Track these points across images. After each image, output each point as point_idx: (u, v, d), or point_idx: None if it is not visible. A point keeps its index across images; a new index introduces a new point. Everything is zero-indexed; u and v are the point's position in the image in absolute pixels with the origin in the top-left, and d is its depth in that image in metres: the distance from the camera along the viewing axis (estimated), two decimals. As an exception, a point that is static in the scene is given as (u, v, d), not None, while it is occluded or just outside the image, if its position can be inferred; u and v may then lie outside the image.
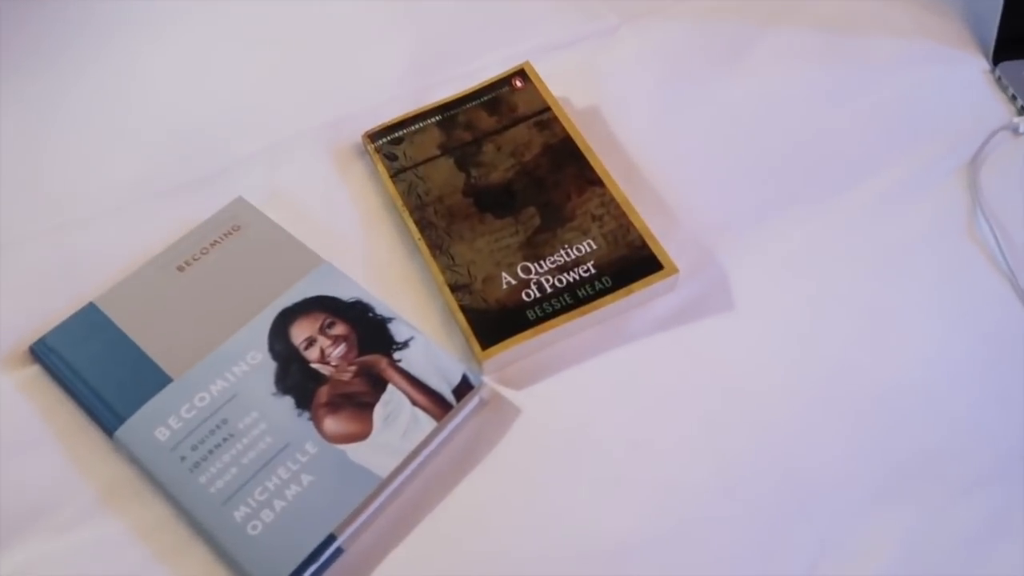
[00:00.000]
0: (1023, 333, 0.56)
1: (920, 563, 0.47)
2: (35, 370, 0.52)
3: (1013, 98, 0.70)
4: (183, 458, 0.47)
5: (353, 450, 0.48)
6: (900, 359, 0.55)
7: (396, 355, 0.51)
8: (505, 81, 0.65)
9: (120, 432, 0.49)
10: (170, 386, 0.50)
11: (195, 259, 0.56)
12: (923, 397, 0.53)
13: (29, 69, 0.68)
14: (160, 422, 0.49)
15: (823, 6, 0.76)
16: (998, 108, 0.69)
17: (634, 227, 0.57)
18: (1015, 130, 0.68)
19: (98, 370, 0.51)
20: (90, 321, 0.53)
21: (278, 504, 0.46)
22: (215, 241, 0.56)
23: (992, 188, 0.64)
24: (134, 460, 0.48)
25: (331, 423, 0.49)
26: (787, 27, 0.74)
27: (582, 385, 0.53)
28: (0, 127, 0.64)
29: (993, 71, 0.72)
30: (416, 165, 0.60)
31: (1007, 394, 0.53)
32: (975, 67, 0.72)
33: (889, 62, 0.72)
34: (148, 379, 0.50)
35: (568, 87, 0.68)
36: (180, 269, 0.55)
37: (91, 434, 0.50)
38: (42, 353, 0.52)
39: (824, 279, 0.58)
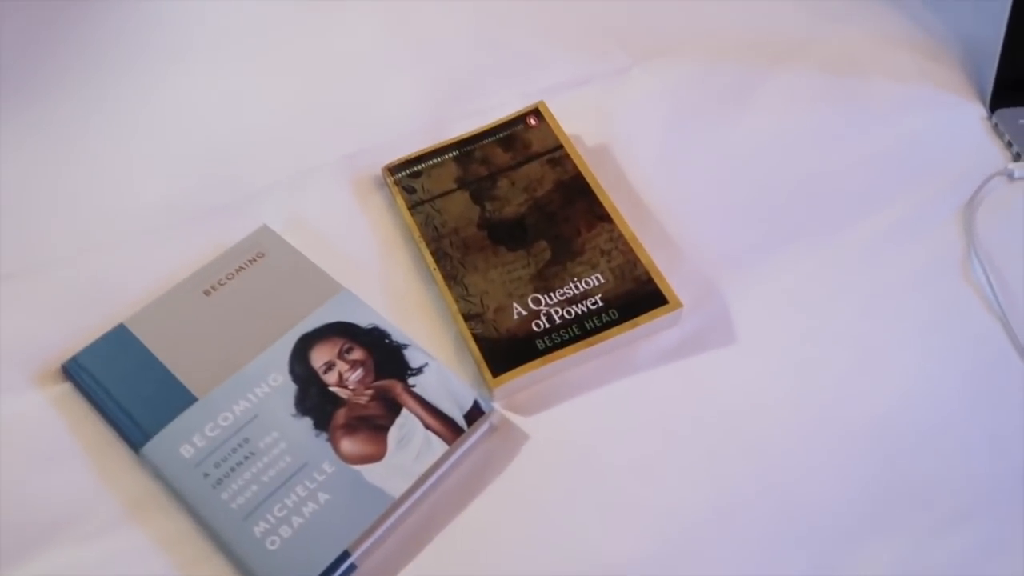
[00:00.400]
0: (1012, 372, 0.58)
1: (910, 591, 0.49)
2: (66, 387, 0.55)
3: (1009, 144, 0.72)
4: (206, 474, 0.50)
5: (368, 471, 0.50)
6: (893, 393, 0.57)
7: (411, 380, 0.54)
8: (520, 119, 0.68)
9: (146, 448, 0.51)
10: (195, 405, 0.52)
11: (221, 284, 0.58)
12: (914, 430, 0.55)
13: (64, 94, 0.71)
14: (185, 439, 0.51)
15: (826, 50, 0.78)
16: (994, 153, 0.71)
17: (640, 262, 0.59)
18: (1010, 175, 0.70)
19: (126, 388, 0.53)
20: (120, 341, 0.55)
21: (296, 520, 0.48)
22: (240, 267, 0.59)
23: (987, 231, 0.66)
24: (159, 475, 0.50)
25: (347, 444, 0.51)
26: (791, 70, 0.76)
27: (588, 413, 0.55)
28: (35, 151, 0.67)
29: (990, 117, 0.74)
30: (433, 198, 0.63)
31: (995, 430, 0.55)
32: (973, 113, 0.74)
33: (890, 106, 0.74)
34: (174, 398, 0.53)
35: (580, 125, 0.70)
36: (206, 293, 0.58)
37: (118, 449, 0.52)
38: (73, 371, 0.54)
39: (822, 315, 0.60)
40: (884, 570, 0.49)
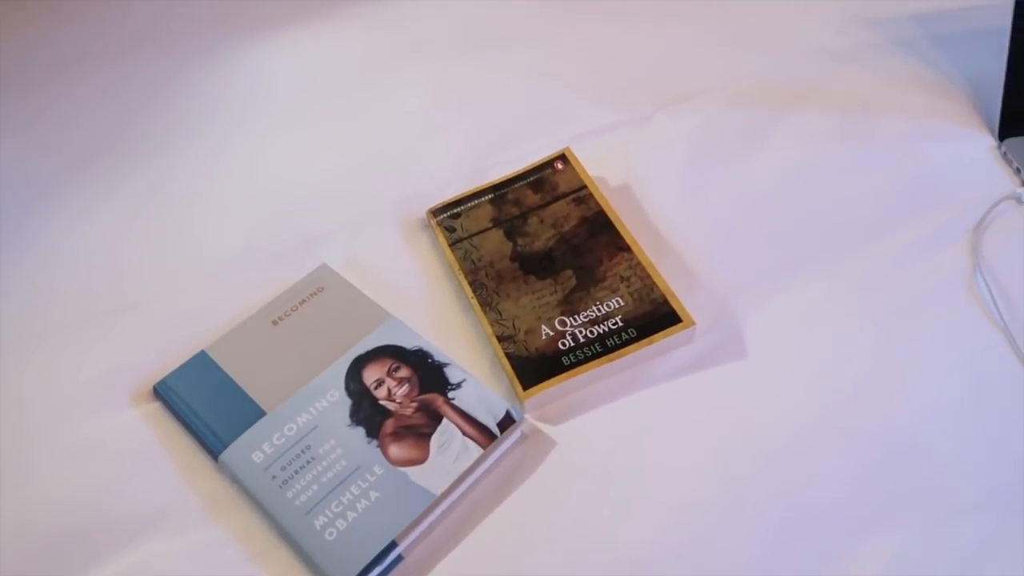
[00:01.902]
0: (1015, 380, 0.61)
1: (910, 580, 0.52)
2: (157, 406, 0.63)
3: (1017, 171, 0.76)
4: (274, 476, 0.57)
5: (413, 472, 0.57)
6: (899, 400, 0.60)
7: (450, 394, 0.61)
8: (548, 164, 0.75)
9: (223, 455, 0.59)
10: (264, 418, 0.60)
11: (287, 315, 0.66)
12: (919, 435, 0.58)
13: (155, 153, 0.82)
14: (256, 447, 0.59)
15: (838, 91, 0.83)
16: (1003, 180, 0.75)
17: (657, 287, 0.65)
18: (1018, 199, 0.73)
19: (207, 405, 0.61)
20: (201, 365, 0.64)
21: (350, 515, 0.55)
22: (303, 300, 0.67)
23: (994, 252, 0.69)
24: (234, 478, 0.58)
25: (395, 450, 0.58)
26: (805, 111, 0.82)
27: (610, 422, 0.61)
28: (131, 204, 0.78)
29: (999, 147, 0.78)
30: (471, 236, 0.71)
31: (998, 435, 0.58)
32: (982, 143, 0.78)
33: (901, 140, 0.78)
34: (247, 412, 0.61)
35: (605, 167, 0.77)
36: (274, 323, 0.66)
37: (200, 457, 0.60)
38: (163, 392, 0.63)
39: (831, 332, 0.65)
40: (888, 563, 0.53)
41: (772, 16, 0.93)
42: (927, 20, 0.91)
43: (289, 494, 0.56)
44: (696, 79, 0.86)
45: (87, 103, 0.88)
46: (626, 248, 0.68)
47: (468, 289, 0.67)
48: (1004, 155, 0.77)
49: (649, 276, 0.66)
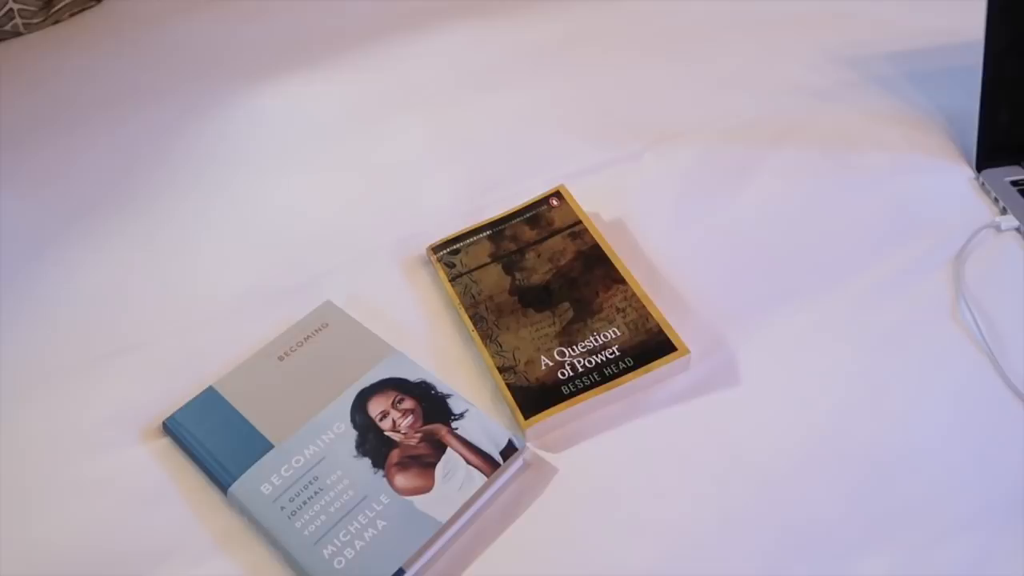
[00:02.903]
0: (1000, 402, 0.63)
1: (905, 598, 0.54)
2: (166, 441, 0.65)
3: (995, 200, 0.79)
4: (282, 507, 0.58)
5: (419, 500, 0.58)
6: (888, 426, 0.62)
7: (454, 424, 0.62)
8: (544, 201, 0.78)
9: (233, 488, 0.60)
10: (272, 451, 0.62)
11: (292, 350, 0.68)
12: (908, 458, 0.60)
13: (159, 198, 0.84)
14: (264, 479, 0.60)
15: (819, 129, 0.87)
16: (982, 210, 0.78)
17: (652, 317, 0.67)
18: (997, 227, 0.76)
19: (215, 439, 0.63)
20: (209, 401, 0.65)
21: (358, 544, 0.56)
22: (308, 336, 0.69)
23: (976, 279, 0.71)
24: (243, 510, 0.59)
25: (401, 479, 0.59)
26: (789, 147, 0.85)
27: (610, 449, 0.62)
28: (138, 248, 0.80)
29: (977, 178, 0.81)
30: (470, 271, 0.73)
31: (985, 456, 0.60)
32: (961, 175, 0.81)
33: (882, 173, 0.81)
34: (255, 446, 0.62)
35: (598, 203, 0.80)
36: (280, 358, 0.68)
37: (209, 491, 0.61)
38: (172, 427, 0.64)
39: (821, 358, 0.67)
40: (881, 582, 0.55)
41: (753, 57, 0.96)
42: (902, 58, 0.95)
43: (298, 524, 0.57)
44: (683, 118, 0.89)
45: (86, 151, 0.90)
46: (621, 280, 0.70)
47: (469, 322, 0.69)
48: (982, 185, 0.80)
49: (644, 307, 0.68)
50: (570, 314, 0.68)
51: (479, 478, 0.59)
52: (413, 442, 0.61)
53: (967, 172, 0.82)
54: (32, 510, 0.61)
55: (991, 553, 0.55)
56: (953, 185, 0.81)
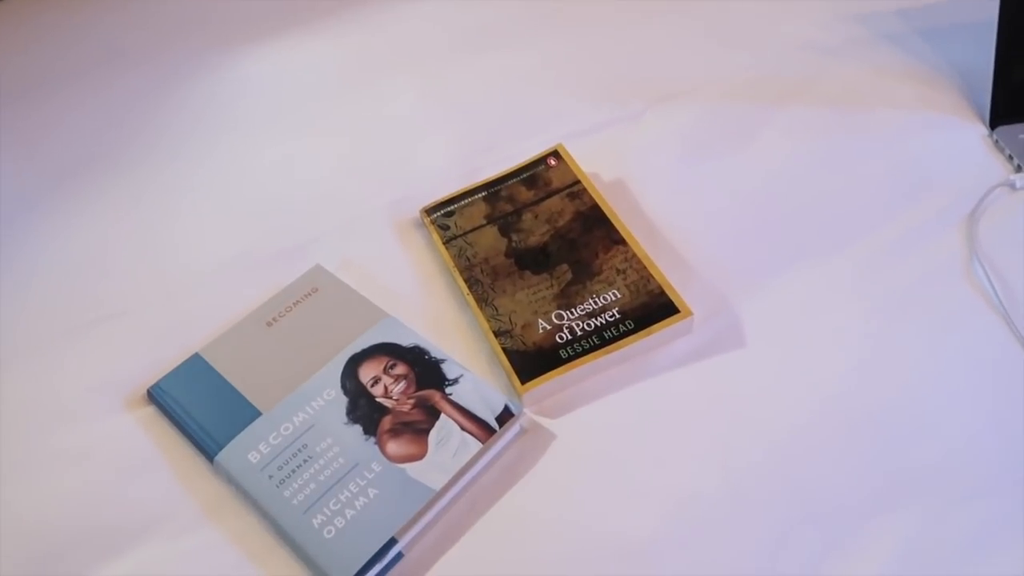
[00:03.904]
0: (1015, 363, 0.61)
1: (917, 566, 0.51)
2: (151, 410, 0.63)
3: (1010, 158, 0.76)
4: (271, 476, 0.56)
5: (411, 468, 0.56)
6: (899, 387, 0.60)
7: (448, 390, 0.60)
8: (541, 160, 0.75)
9: (219, 457, 0.58)
10: (260, 419, 0.59)
11: (281, 316, 0.66)
12: (921, 419, 0.58)
13: (145, 165, 0.82)
14: (252, 447, 0.58)
15: (828, 87, 0.84)
16: (996, 168, 0.75)
17: (653, 278, 0.65)
18: (1012, 186, 0.74)
19: (202, 407, 0.61)
20: (195, 368, 0.63)
21: (349, 512, 0.54)
22: (297, 301, 0.67)
23: (989, 237, 0.69)
24: (231, 479, 0.57)
25: (393, 446, 0.57)
26: (796, 106, 0.82)
27: (609, 414, 0.60)
28: (125, 215, 0.77)
29: (991, 135, 0.79)
30: (465, 233, 0.70)
31: (1001, 417, 0.58)
32: (974, 133, 0.79)
33: (893, 132, 0.79)
34: (242, 413, 0.60)
35: (598, 164, 0.77)
36: (269, 324, 0.65)
37: (195, 460, 0.60)
38: (157, 395, 0.62)
39: (829, 319, 0.64)
40: (893, 550, 0.52)
41: (759, 14, 0.93)
42: (913, 14, 0.91)
43: (286, 493, 0.55)
44: (685, 76, 0.86)
45: (74, 113, 0.88)
46: (621, 241, 0.68)
47: (464, 286, 0.67)
48: (996, 143, 0.78)
49: (645, 268, 0.65)
50: (568, 276, 0.66)
51: (474, 444, 0.57)
52: (406, 408, 0.59)
53: (980, 129, 0.79)
54: (14, 480, 0.59)
55: (1007, 516, 0.53)
56: (966, 143, 0.78)
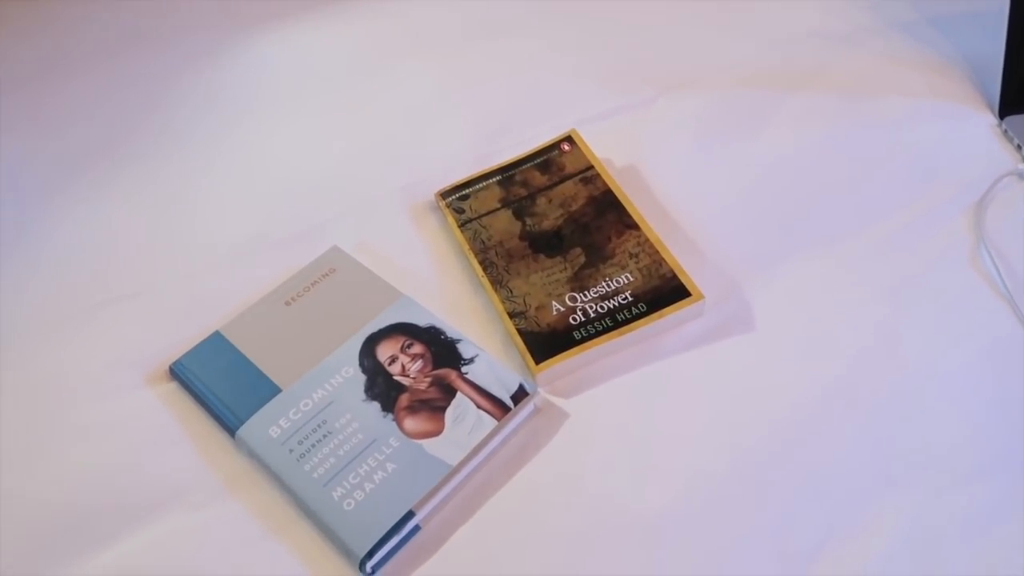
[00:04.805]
0: (1019, 349, 0.62)
1: (921, 543, 0.53)
2: (173, 386, 0.64)
3: (1019, 147, 0.77)
4: (291, 451, 0.58)
5: (428, 444, 0.57)
6: (905, 370, 0.61)
7: (464, 369, 0.61)
8: (555, 146, 0.76)
9: (240, 431, 0.59)
10: (280, 395, 0.61)
11: (299, 295, 0.67)
12: (927, 401, 0.59)
13: (169, 148, 0.83)
14: (272, 423, 0.59)
15: (840, 74, 0.84)
16: (1005, 157, 0.76)
17: (666, 262, 0.66)
18: (1020, 175, 0.74)
19: (222, 383, 0.62)
20: (216, 346, 0.64)
21: (368, 486, 0.56)
22: (315, 281, 0.68)
23: (997, 225, 0.70)
24: (252, 454, 0.59)
25: (410, 423, 0.59)
26: (807, 93, 0.83)
27: (621, 394, 0.61)
28: (148, 197, 0.78)
29: (1000, 124, 0.79)
30: (480, 216, 0.71)
31: (1005, 400, 0.59)
32: (983, 122, 0.79)
33: (903, 120, 0.79)
34: (263, 390, 0.61)
35: (610, 149, 0.78)
36: (287, 303, 0.67)
37: (217, 435, 0.61)
38: (179, 371, 0.64)
39: (838, 303, 0.66)
40: (897, 528, 0.54)
41: (770, 2, 0.94)
42: (924, 3, 0.92)
43: (307, 467, 0.57)
44: (698, 64, 0.87)
45: (90, 97, 0.89)
46: (634, 226, 0.69)
47: (478, 268, 0.68)
48: (1005, 132, 0.78)
49: (657, 252, 0.67)
50: (582, 259, 0.67)
51: (489, 422, 0.58)
52: (422, 386, 0.60)
53: (990, 119, 0.80)
54: (40, 452, 0.61)
55: (1010, 496, 0.55)
56: (975, 132, 0.79)
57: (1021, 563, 0.52)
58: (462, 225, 0.71)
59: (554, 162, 0.75)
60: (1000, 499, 0.55)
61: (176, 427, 0.62)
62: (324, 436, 0.58)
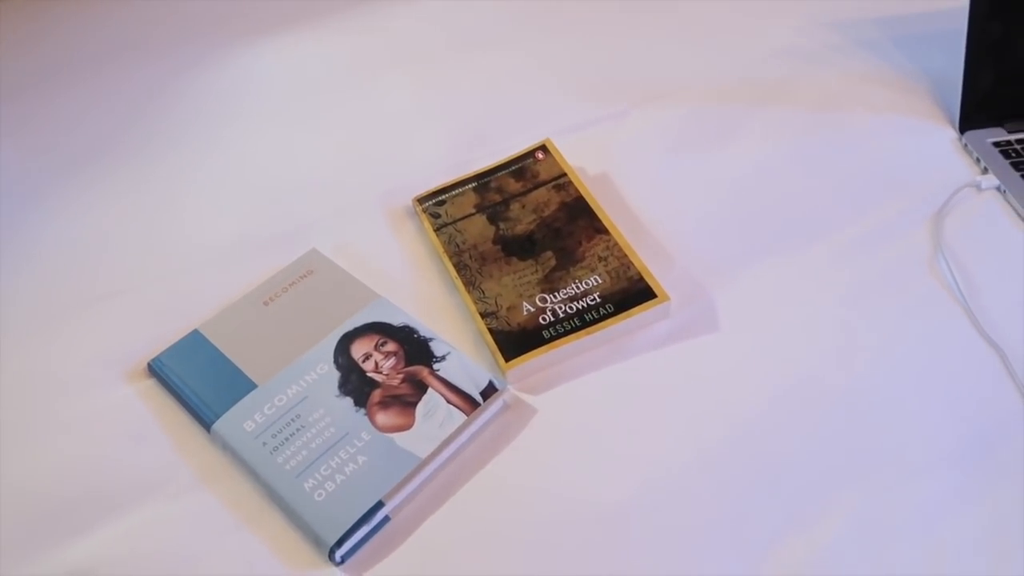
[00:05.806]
0: (973, 350, 0.64)
1: (871, 535, 0.55)
2: (151, 382, 0.65)
3: (977, 161, 0.80)
4: (264, 443, 0.59)
5: (399, 437, 0.59)
6: (863, 371, 0.63)
7: (436, 366, 0.63)
8: (529, 154, 0.78)
9: (216, 425, 0.61)
10: (256, 391, 0.62)
11: (277, 296, 0.69)
12: (881, 400, 0.61)
13: (151, 153, 0.85)
14: (247, 417, 0.61)
15: (804, 90, 0.87)
16: (964, 170, 0.79)
17: (633, 265, 0.68)
18: (978, 187, 0.77)
19: (200, 379, 0.63)
20: (194, 343, 0.66)
21: (339, 477, 0.57)
22: (293, 282, 0.70)
23: (954, 234, 0.73)
24: (226, 447, 0.60)
25: (382, 417, 0.60)
26: (774, 107, 0.86)
27: (588, 391, 0.63)
28: (130, 200, 0.80)
29: (960, 139, 0.82)
30: (455, 221, 0.74)
31: (956, 401, 0.61)
32: (944, 136, 0.82)
33: (866, 134, 0.82)
34: (239, 386, 0.63)
35: (584, 158, 0.81)
36: (265, 303, 0.68)
37: (193, 429, 0.62)
38: (157, 368, 0.65)
39: (799, 307, 0.68)
40: (851, 519, 0.55)
41: (740, 19, 0.97)
42: (888, 23, 0.95)
43: (279, 459, 0.58)
44: (669, 78, 0.90)
45: (80, 103, 0.91)
46: (604, 231, 0.71)
47: (453, 270, 0.70)
48: (965, 147, 0.81)
49: (626, 256, 0.69)
50: (553, 262, 0.69)
51: (459, 416, 0.60)
52: (395, 383, 0.62)
53: (950, 133, 0.83)
54: (18, 446, 0.62)
55: (959, 491, 0.56)
56: (936, 146, 0.81)
57: (966, 555, 0.54)
58: (438, 229, 0.73)
59: (528, 170, 0.77)
60: (946, 493, 0.57)
61: (153, 422, 0.63)
62: (297, 430, 0.60)
